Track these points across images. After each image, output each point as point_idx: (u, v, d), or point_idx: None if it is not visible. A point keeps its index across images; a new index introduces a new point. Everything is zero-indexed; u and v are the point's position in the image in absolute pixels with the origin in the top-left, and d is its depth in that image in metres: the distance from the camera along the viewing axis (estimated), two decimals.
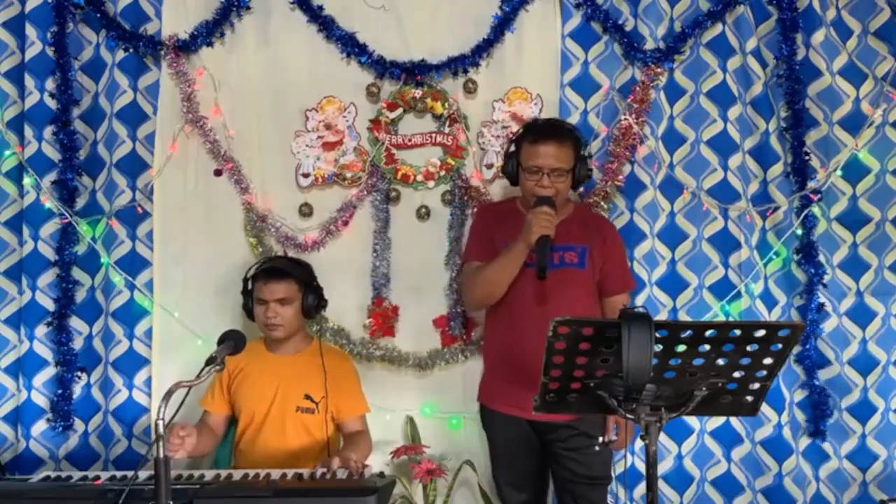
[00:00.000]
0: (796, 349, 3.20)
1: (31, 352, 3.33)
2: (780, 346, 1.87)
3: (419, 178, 3.30)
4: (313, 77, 3.34)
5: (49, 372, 3.34)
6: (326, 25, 3.30)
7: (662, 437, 3.17)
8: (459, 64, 3.27)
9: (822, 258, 3.22)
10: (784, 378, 3.20)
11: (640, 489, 3.18)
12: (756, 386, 1.96)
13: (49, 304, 3.34)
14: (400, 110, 3.31)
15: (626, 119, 3.20)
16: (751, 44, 3.24)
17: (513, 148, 2.91)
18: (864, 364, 3.23)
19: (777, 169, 3.26)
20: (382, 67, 3.29)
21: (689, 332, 1.85)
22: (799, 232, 3.22)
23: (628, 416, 1.92)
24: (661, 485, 3.18)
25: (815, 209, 3.22)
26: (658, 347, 1.85)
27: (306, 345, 3.03)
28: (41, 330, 3.34)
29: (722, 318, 3.21)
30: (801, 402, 3.24)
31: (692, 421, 3.21)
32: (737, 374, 1.93)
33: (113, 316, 3.32)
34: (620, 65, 3.27)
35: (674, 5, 3.26)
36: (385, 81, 3.32)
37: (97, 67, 3.38)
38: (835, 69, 3.23)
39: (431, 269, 3.31)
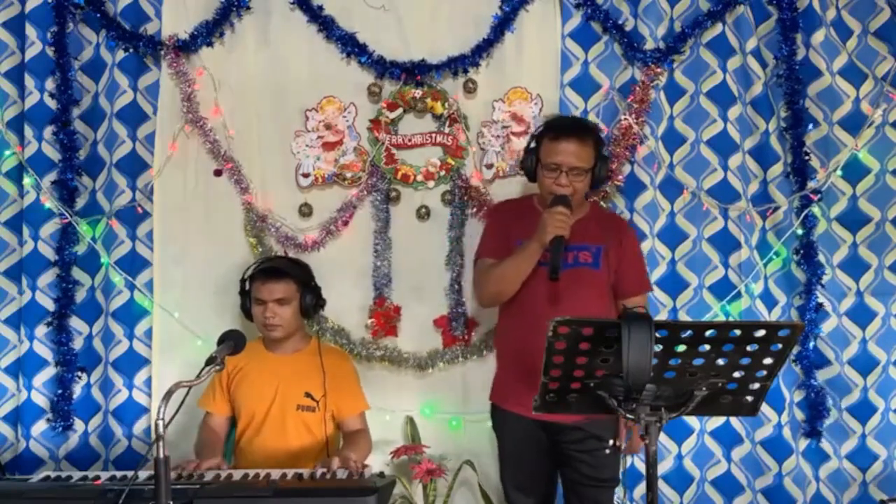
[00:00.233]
0: (796, 349, 3.20)
1: (31, 352, 3.34)
2: (779, 346, 1.87)
3: (419, 178, 3.30)
4: (313, 77, 3.34)
5: (49, 372, 3.34)
6: (326, 25, 3.30)
7: (662, 437, 3.17)
8: (459, 64, 3.27)
9: (821, 258, 3.22)
10: (784, 378, 3.20)
11: (640, 489, 3.18)
12: (756, 386, 1.96)
13: (49, 304, 3.34)
14: (400, 110, 3.31)
15: (626, 119, 3.21)
16: (751, 44, 3.24)
17: (533, 144, 2.85)
18: (864, 364, 3.23)
19: (777, 169, 3.26)
20: (382, 67, 3.29)
21: (689, 332, 1.85)
22: (799, 232, 3.22)
23: (628, 416, 1.92)
24: (661, 485, 3.18)
25: (815, 209, 3.22)
26: (658, 347, 1.85)
27: (305, 344, 3.03)
28: (41, 330, 3.34)
29: (722, 318, 3.21)
30: (801, 402, 3.24)
31: (692, 421, 3.21)
32: (737, 374, 1.93)
33: (113, 316, 3.32)
34: (620, 65, 3.27)
35: (674, 5, 3.27)
36: (385, 81, 3.32)
37: (97, 67, 3.38)
38: (835, 69, 3.23)
39: (431, 269, 3.31)
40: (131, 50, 3.33)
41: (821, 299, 3.21)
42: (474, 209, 3.29)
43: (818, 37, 3.22)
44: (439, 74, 3.29)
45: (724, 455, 3.23)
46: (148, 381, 3.32)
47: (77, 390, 3.34)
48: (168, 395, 2.01)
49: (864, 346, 3.24)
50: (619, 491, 3.14)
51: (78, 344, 3.35)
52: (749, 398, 1.99)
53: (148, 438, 3.30)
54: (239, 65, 3.35)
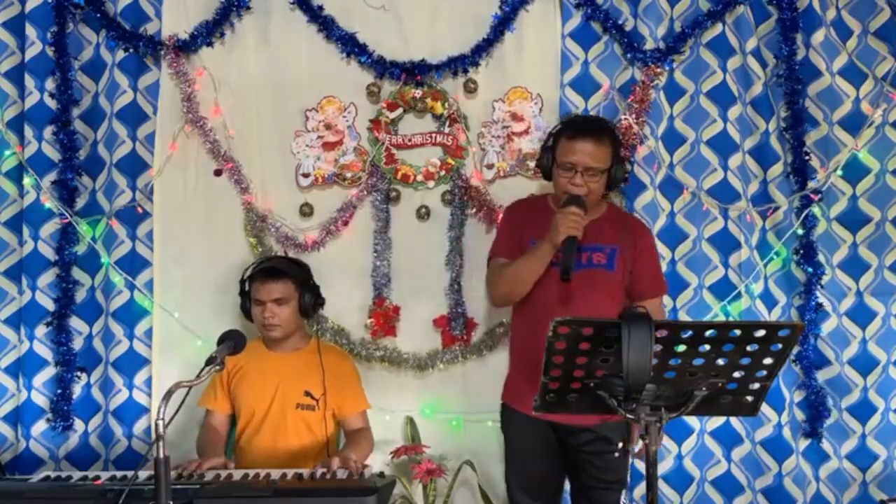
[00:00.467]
0: (796, 349, 3.20)
1: (31, 352, 3.34)
2: (779, 346, 1.87)
3: (419, 178, 3.30)
4: (313, 77, 3.34)
5: (49, 372, 3.34)
6: (326, 25, 3.30)
7: (662, 437, 3.17)
8: (459, 64, 3.27)
9: (821, 258, 3.22)
10: (784, 378, 3.20)
11: (640, 489, 3.17)
12: (756, 386, 1.96)
13: (49, 304, 3.34)
14: (400, 110, 3.31)
15: (626, 119, 3.20)
16: (751, 44, 3.24)
17: (550, 142, 2.82)
18: (864, 364, 3.23)
19: (777, 169, 3.26)
20: (382, 67, 3.29)
21: (689, 332, 1.85)
22: (799, 232, 3.22)
23: (628, 416, 1.92)
24: (661, 485, 3.18)
25: (815, 209, 3.22)
26: (658, 347, 1.85)
27: (305, 343, 3.04)
28: (41, 330, 3.34)
29: (722, 318, 3.21)
30: (801, 402, 3.24)
31: (692, 421, 3.21)
32: (737, 374, 1.93)
33: (113, 316, 3.32)
34: (620, 65, 3.27)
35: (674, 5, 3.26)
36: (385, 81, 3.32)
37: (97, 67, 3.38)
38: (835, 69, 3.23)
39: (431, 269, 3.31)
40: (131, 50, 3.33)
41: (821, 299, 3.21)
42: (474, 209, 3.29)
43: (818, 37, 3.22)
44: (439, 74, 3.29)
45: (724, 455, 3.23)
46: (148, 381, 3.32)
47: (77, 390, 3.34)
48: (168, 395, 2.01)
49: (864, 346, 3.24)
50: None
51: (78, 344, 3.36)
52: (749, 398, 1.99)
53: (148, 438, 3.30)
54: (239, 65, 3.35)
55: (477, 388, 3.26)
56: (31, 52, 3.34)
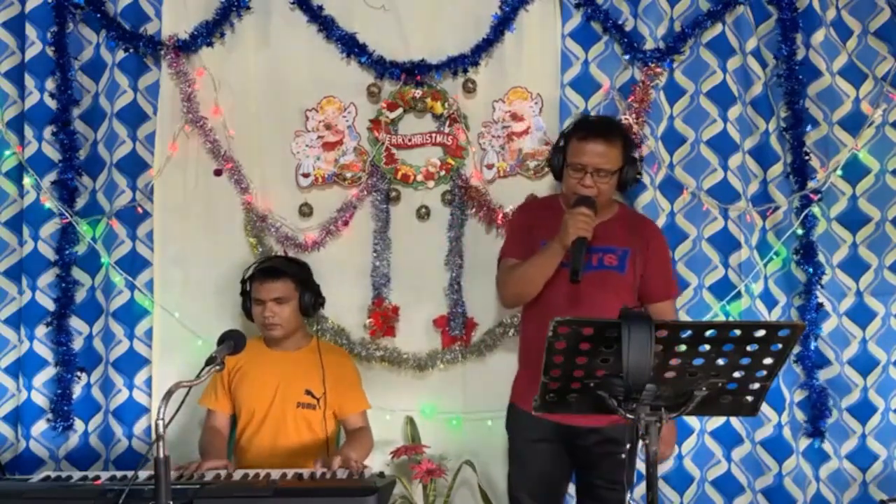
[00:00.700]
0: (796, 349, 3.20)
1: (31, 352, 3.34)
2: (780, 346, 1.87)
3: (419, 178, 3.30)
4: (313, 77, 3.34)
5: (49, 372, 3.34)
6: (326, 25, 3.31)
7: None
8: (459, 64, 3.27)
9: (821, 258, 3.22)
10: (784, 378, 3.20)
11: (640, 489, 3.17)
12: (756, 386, 1.96)
13: (49, 304, 3.34)
14: (400, 110, 3.31)
15: (626, 119, 3.20)
16: (751, 44, 3.24)
17: (561, 142, 2.81)
18: (864, 364, 3.22)
19: (777, 169, 3.26)
20: (382, 67, 3.29)
21: (689, 332, 1.85)
22: (799, 232, 3.22)
23: (628, 415, 1.91)
24: (661, 485, 3.18)
25: (815, 209, 3.22)
26: (658, 347, 1.84)
27: (306, 342, 3.04)
28: (41, 330, 3.34)
29: (722, 318, 3.21)
30: (801, 402, 3.24)
31: (692, 421, 3.21)
32: (737, 374, 1.92)
33: (113, 316, 3.32)
34: (620, 65, 3.27)
35: (674, 5, 3.26)
36: (385, 81, 3.32)
37: (97, 67, 3.38)
38: (835, 69, 3.23)
39: (431, 269, 3.31)
40: (131, 50, 3.33)
41: (821, 299, 3.21)
42: (474, 209, 3.29)
43: (818, 37, 3.21)
44: (439, 74, 3.29)
45: (725, 455, 3.23)
46: (148, 381, 3.32)
47: (77, 390, 3.34)
48: (168, 395, 2.01)
49: (864, 346, 3.23)
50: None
51: (78, 344, 3.36)
52: (749, 398, 1.99)
53: (148, 438, 3.31)
54: (239, 65, 3.35)
55: (477, 387, 3.26)
56: (31, 52, 3.34)
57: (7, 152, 3.36)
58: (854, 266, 3.25)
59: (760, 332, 1.85)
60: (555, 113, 3.27)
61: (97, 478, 2.45)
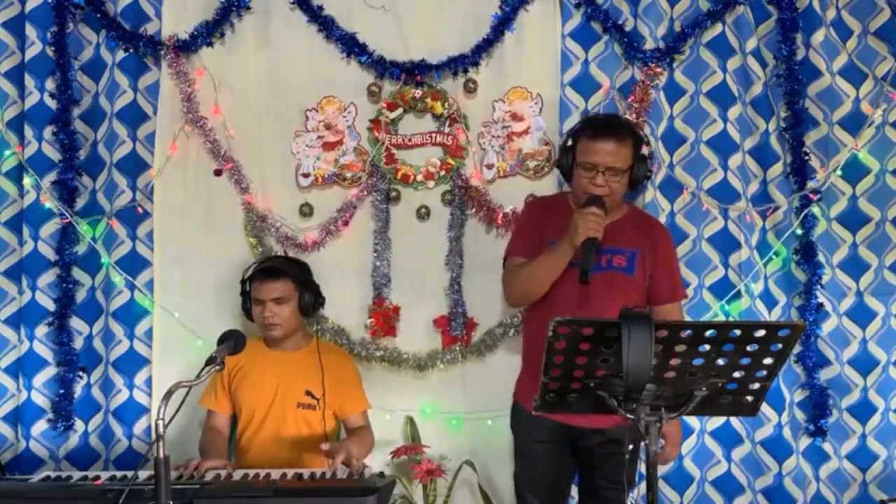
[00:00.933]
0: (796, 349, 3.20)
1: (32, 352, 3.34)
2: (780, 345, 1.87)
3: (419, 178, 3.30)
4: (313, 77, 3.34)
5: (49, 372, 3.34)
6: (326, 25, 3.31)
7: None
8: (459, 64, 3.27)
9: (821, 258, 3.22)
10: (784, 378, 3.20)
11: (640, 489, 3.17)
12: (756, 386, 1.96)
13: (49, 304, 3.34)
14: (400, 110, 3.31)
15: (626, 119, 3.20)
16: (751, 44, 3.24)
17: (570, 142, 2.79)
18: (864, 364, 3.23)
19: (777, 169, 3.26)
20: (382, 67, 3.29)
21: (689, 332, 1.85)
22: (799, 232, 3.22)
23: (628, 415, 1.91)
24: (662, 485, 3.18)
25: (815, 209, 3.22)
26: (658, 347, 1.85)
27: (306, 342, 3.04)
28: (41, 330, 3.34)
29: (722, 318, 3.21)
30: (801, 402, 3.24)
31: (692, 421, 3.21)
32: (737, 374, 1.93)
33: (113, 316, 3.32)
34: (620, 65, 3.27)
35: (674, 5, 3.26)
36: (385, 81, 3.32)
37: (97, 67, 3.38)
38: (835, 69, 3.23)
39: (431, 269, 3.31)
40: (131, 50, 3.33)
41: (821, 299, 3.21)
42: (474, 209, 3.29)
43: (818, 37, 3.21)
44: (439, 74, 3.29)
45: (725, 455, 3.23)
46: (148, 381, 3.32)
47: (77, 390, 3.34)
48: (168, 395, 2.01)
49: (864, 346, 3.24)
50: None
51: (78, 344, 3.36)
52: (749, 398, 1.99)
53: (148, 438, 3.31)
54: (239, 65, 3.35)
55: (477, 387, 3.26)
56: (31, 52, 3.34)
57: (7, 152, 3.36)
58: (854, 266, 3.25)
59: (760, 332, 1.85)
60: (555, 113, 3.27)
61: (97, 478, 2.45)
